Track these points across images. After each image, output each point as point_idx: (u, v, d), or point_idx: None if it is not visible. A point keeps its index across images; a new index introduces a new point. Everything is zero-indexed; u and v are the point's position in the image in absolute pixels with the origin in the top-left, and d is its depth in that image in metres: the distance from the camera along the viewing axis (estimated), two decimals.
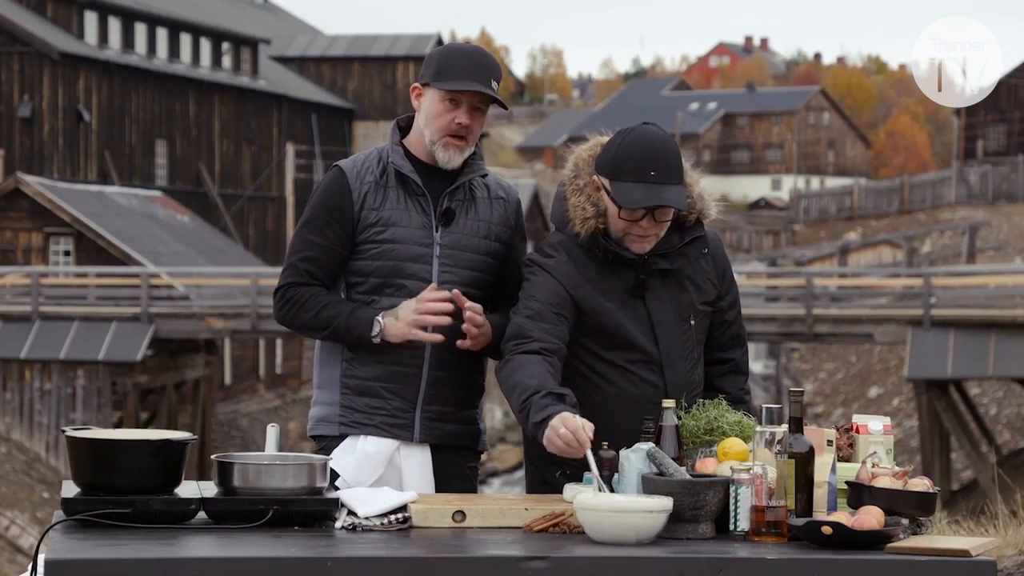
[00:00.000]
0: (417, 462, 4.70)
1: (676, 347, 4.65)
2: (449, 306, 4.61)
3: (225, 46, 56.35)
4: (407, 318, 4.61)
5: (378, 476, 4.65)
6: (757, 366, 44.74)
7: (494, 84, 4.68)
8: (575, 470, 4.43)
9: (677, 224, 4.66)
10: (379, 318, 4.64)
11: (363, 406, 4.70)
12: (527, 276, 4.63)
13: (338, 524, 4.09)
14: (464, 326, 4.61)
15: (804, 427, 4.09)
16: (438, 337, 4.61)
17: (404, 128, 4.82)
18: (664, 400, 4.32)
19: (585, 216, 4.60)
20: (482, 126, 4.76)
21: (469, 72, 4.65)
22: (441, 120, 4.68)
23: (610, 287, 4.61)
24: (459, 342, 4.63)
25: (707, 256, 4.74)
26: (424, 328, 4.60)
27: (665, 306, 4.65)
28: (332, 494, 4.18)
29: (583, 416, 4.30)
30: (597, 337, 4.61)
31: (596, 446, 4.29)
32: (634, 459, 4.14)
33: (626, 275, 4.62)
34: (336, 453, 4.68)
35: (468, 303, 4.62)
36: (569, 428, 4.19)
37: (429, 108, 4.70)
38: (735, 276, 4.91)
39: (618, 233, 4.58)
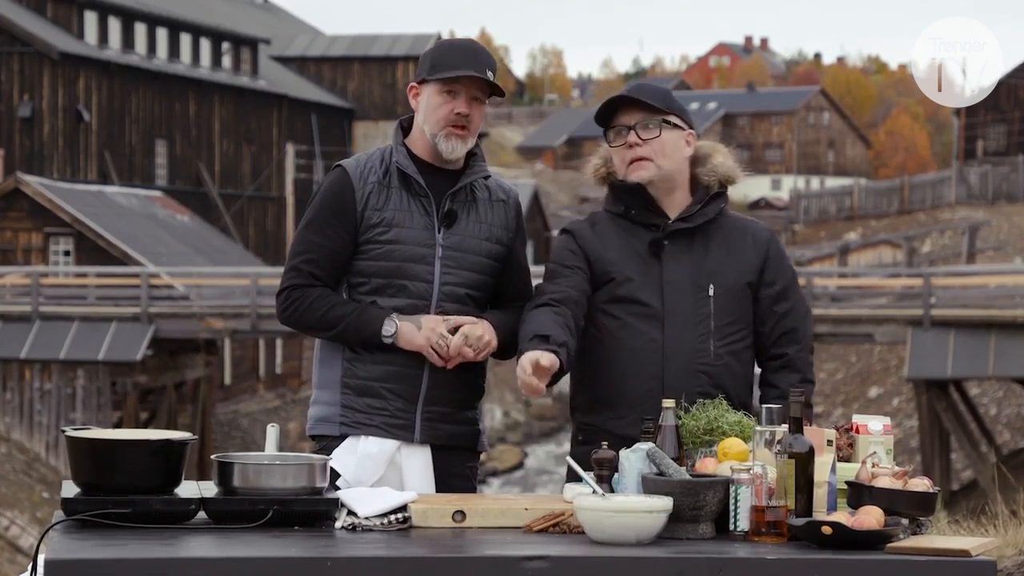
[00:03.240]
0: (418, 462, 4.70)
1: (684, 308, 4.70)
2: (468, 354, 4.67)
3: (225, 46, 56.35)
4: (428, 336, 4.62)
5: (379, 476, 4.65)
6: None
7: (489, 73, 4.70)
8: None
9: (706, 195, 4.80)
10: (394, 319, 4.64)
11: (364, 406, 4.71)
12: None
13: (338, 524, 4.09)
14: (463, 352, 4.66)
15: (804, 427, 4.09)
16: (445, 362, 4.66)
17: (406, 128, 4.83)
18: (664, 400, 4.32)
19: (596, 168, 4.86)
20: (482, 117, 4.77)
21: (464, 62, 4.68)
22: (440, 112, 4.69)
23: (629, 246, 4.75)
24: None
25: (747, 238, 4.81)
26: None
27: (682, 268, 4.73)
28: (332, 494, 4.18)
29: (589, 371, 4.64)
30: (606, 291, 4.72)
31: (595, 445, 4.32)
32: (634, 459, 4.14)
33: (646, 236, 4.75)
34: (337, 453, 4.68)
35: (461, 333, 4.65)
36: (524, 364, 4.35)
37: (428, 102, 4.71)
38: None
39: (622, 169, 4.77)
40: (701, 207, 4.77)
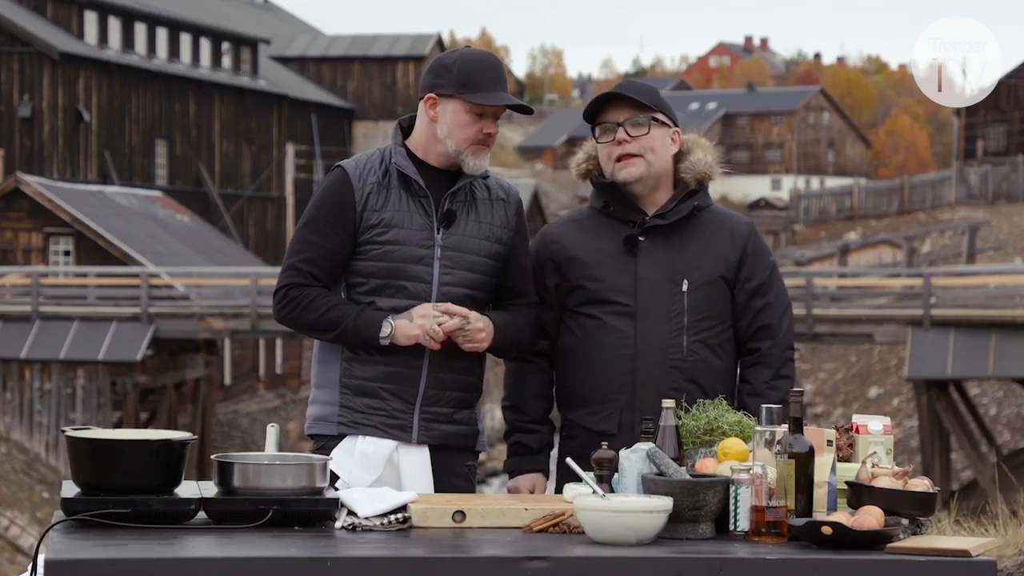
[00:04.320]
0: (416, 462, 4.70)
1: (657, 304, 4.76)
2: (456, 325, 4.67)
3: (225, 46, 56.35)
4: (421, 324, 4.62)
5: (377, 476, 4.65)
6: None
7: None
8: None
9: (684, 191, 4.82)
10: (390, 320, 4.64)
11: (362, 406, 4.70)
12: None
13: (338, 524, 4.09)
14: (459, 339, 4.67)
15: (804, 427, 4.09)
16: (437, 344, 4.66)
17: (406, 129, 4.82)
18: (664, 400, 4.32)
19: (578, 163, 4.91)
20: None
21: (495, 83, 4.70)
22: (469, 131, 4.69)
23: (605, 244, 4.81)
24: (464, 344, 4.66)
25: (726, 233, 4.82)
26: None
27: (656, 265, 4.78)
28: (332, 494, 4.18)
29: (568, 370, 4.80)
30: (582, 292, 4.80)
31: (594, 445, 4.35)
32: (634, 459, 4.14)
33: (624, 233, 4.80)
34: (335, 453, 4.68)
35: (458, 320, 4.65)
36: (520, 488, 4.85)
37: (454, 120, 4.69)
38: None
39: (609, 168, 4.81)
40: (676, 204, 4.80)
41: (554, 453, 4.92)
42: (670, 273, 4.77)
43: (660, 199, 4.83)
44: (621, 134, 4.78)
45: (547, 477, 4.88)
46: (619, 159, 4.79)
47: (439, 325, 4.61)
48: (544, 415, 4.91)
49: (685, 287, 4.76)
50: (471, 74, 4.68)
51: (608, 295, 4.78)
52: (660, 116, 4.81)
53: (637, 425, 4.66)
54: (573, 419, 4.84)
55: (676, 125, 4.87)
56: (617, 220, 4.82)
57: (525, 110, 4.78)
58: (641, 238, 4.79)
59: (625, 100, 4.78)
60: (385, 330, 4.63)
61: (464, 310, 4.66)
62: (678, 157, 4.87)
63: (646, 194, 4.82)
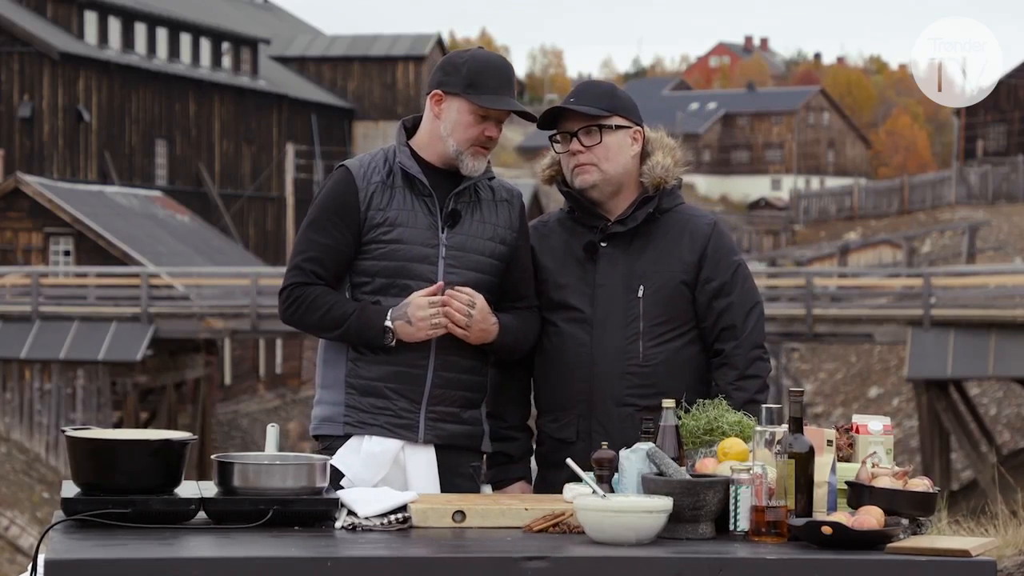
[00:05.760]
0: (422, 462, 4.70)
1: (614, 310, 4.76)
2: (465, 308, 4.66)
3: (225, 46, 56.35)
4: (421, 329, 4.62)
5: (383, 476, 4.65)
6: None
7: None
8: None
9: (643, 196, 4.82)
10: (389, 323, 4.64)
11: (368, 406, 4.70)
12: None
13: (338, 524, 4.09)
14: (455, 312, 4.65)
15: (804, 427, 4.09)
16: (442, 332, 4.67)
17: (409, 129, 4.83)
18: (664, 400, 4.32)
19: (543, 168, 4.96)
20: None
21: (502, 87, 4.69)
22: (471, 132, 4.69)
23: (569, 251, 4.83)
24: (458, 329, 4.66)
25: (685, 236, 4.80)
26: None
27: (615, 271, 4.79)
28: (333, 494, 4.18)
29: (535, 378, 4.85)
30: (544, 298, 4.83)
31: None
32: (634, 459, 4.15)
33: (587, 239, 4.82)
34: (341, 452, 4.68)
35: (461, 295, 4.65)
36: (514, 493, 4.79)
37: (457, 119, 4.70)
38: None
39: (569, 176, 4.84)
40: (634, 210, 4.80)
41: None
42: (628, 279, 4.77)
43: (623, 203, 4.83)
44: (575, 144, 4.79)
45: (530, 483, 4.89)
46: (575, 168, 4.80)
47: (444, 324, 4.61)
48: (523, 421, 4.93)
49: (640, 292, 4.75)
50: (479, 75, 4.67)
51: (567, 301, 4.79)
52: (616, 120, 4.79)
53: (595, 432, 4.69)
54: (540, 426, 4.89)
55: (639, 123, 4.83)
56: (583, 226, 4.84)
57: (529, 117, 4.78)
58: (603, 244, 4.80)
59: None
60: (388, 338, 4.63)
61: (453, 298, 4.65)
62: (643, 156, 4.85)
63: (605, 200, 4.82)
